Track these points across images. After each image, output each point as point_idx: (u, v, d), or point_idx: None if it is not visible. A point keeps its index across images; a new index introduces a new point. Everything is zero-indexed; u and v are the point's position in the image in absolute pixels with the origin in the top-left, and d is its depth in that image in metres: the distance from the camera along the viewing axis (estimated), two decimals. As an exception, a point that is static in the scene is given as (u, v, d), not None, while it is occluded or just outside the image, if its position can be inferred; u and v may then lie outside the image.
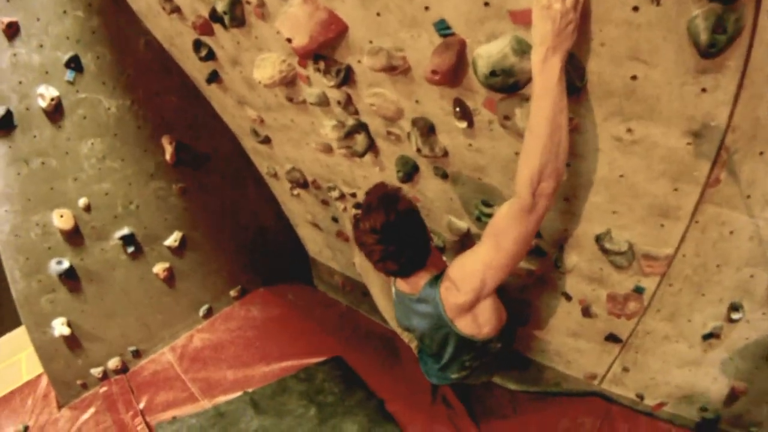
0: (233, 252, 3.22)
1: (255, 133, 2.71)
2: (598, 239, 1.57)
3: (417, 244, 1.59)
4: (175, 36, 2.48)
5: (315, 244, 3.30)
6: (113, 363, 2.84)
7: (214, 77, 2.51)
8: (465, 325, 1.63)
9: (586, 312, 1.87)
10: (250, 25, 1.89)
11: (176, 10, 2.20)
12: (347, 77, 1.73)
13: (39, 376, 3.02)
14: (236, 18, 1.88)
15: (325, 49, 1.66)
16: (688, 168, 1.22)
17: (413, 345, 2.12)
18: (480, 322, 1.62)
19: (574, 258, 1.72)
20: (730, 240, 1.35)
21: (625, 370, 1.96)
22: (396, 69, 1.51)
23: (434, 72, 1.35)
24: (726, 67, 1.00)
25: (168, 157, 2.79)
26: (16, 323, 3.86)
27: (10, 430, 2.80)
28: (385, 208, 1.51)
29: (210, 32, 2.18)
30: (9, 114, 2.36)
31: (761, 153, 1.12)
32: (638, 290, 1.65)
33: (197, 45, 2.36)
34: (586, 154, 1.34)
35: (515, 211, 1.33)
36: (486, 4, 1.16)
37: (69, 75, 2.50)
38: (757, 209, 1.24)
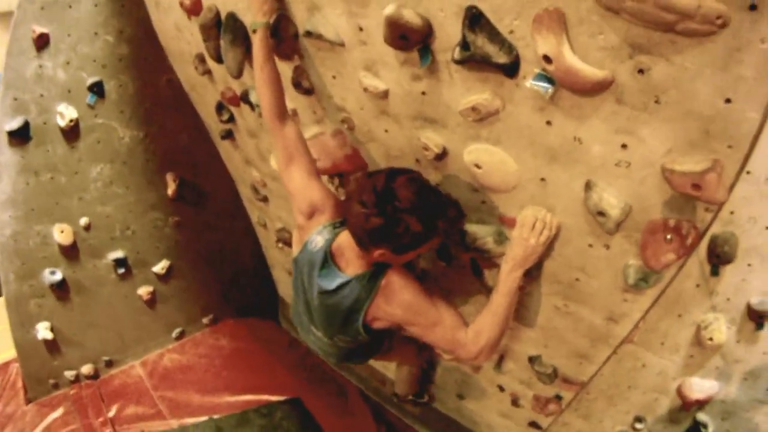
0: (212, 283, 3.42)
1: (255, 189, 2.89)
2: (531, 359, 1.98)
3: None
4: (198, 86, 2.64)
5: (287, 287, 3.54)
6: (86, 369, 3.01)
7: (228, 135, 2.69)
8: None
9: (515, 402, 2.27)
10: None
11: (208, 72, 2.38)
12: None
13: (7, 363, 3.11)
14: (267, 113, 2.15)
15: (343, 173, 1.99)
16: (604, 337, 1.64)
17: None
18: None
19: (510, 365, 2.12)
20: (641, 371, 1.70)
21: (546, 450, 2.38)
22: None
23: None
24: (645, 294, 1.40)
25: (170, 192, 3.00)
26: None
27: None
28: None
29: (236, 104, 2.37)
30: (26, 125, 2.47)
31: (680, 315, 1.47)
32: (558, 397, 2.07)
33: (220, 107, 2.55)
34: (531, 308, 1.74)
35: (456, 343, 1.54)
36: (483, 202, 1.54)
37: (90, 98, 2.63)
38: (667, 353, 1.59)
